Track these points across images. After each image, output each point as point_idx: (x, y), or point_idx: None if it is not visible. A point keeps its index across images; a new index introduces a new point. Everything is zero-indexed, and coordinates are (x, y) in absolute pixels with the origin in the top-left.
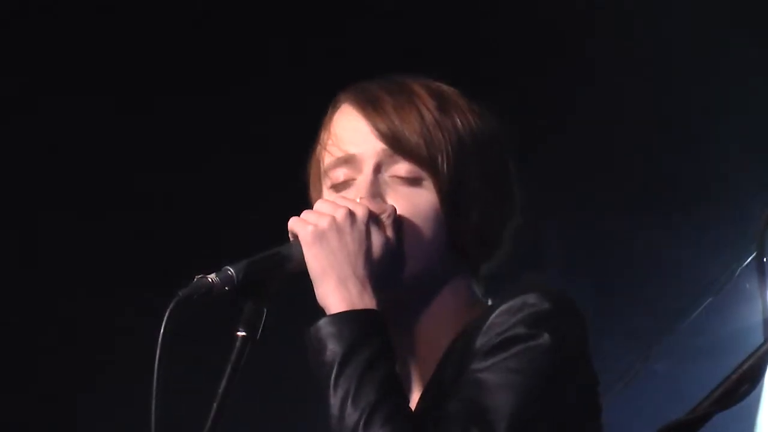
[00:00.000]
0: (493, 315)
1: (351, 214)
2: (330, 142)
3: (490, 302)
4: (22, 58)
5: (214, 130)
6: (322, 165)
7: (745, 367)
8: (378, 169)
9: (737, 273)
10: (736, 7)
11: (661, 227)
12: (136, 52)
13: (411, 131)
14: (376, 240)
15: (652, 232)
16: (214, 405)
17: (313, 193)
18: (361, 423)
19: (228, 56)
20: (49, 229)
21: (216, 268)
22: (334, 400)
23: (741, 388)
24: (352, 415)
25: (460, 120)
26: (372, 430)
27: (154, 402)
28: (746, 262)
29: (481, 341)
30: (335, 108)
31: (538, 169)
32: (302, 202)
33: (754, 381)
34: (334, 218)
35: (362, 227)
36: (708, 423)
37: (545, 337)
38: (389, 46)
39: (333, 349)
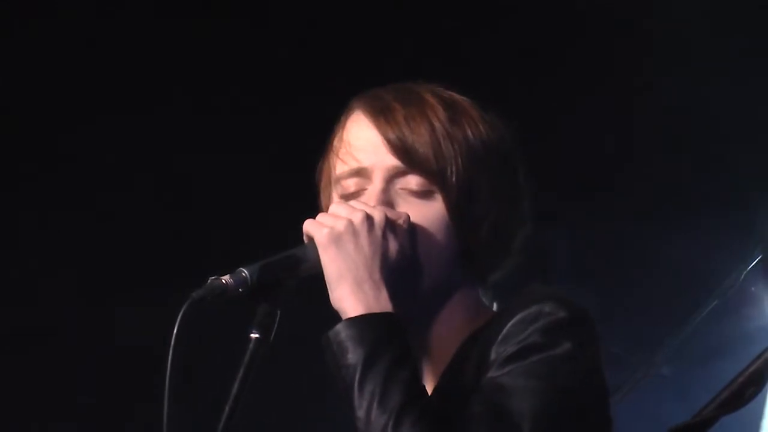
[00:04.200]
0: (509, 324)
1: (368, 218)
2: (342, 150)
3: (495, 308)
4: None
5: (231, 128)
6: (333, 172)
7: (750, 370)
8: (389, 181)
9: (743, 276)
10: (747, 12)
11: (667, 231)
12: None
13: (421, 143)
14: (393, 245)
15: (658, 236)
16: (227, 407)
17: (323, 197)
18: (390, 425)
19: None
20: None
21: (230, 270)
22: (360, 403)
23: (747, 392)
24: (380, 418)
25: (471, 131)
26: None
27: (166, 403)
28: (752, 265)
29: (497, 350)
30: (348, 115)
31: (544, 172)
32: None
33: (760, 384)
34: (350, 221)
35: (379, 232)
36: (714, 426)
37: (564, 346)
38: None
39: (355, 352)
